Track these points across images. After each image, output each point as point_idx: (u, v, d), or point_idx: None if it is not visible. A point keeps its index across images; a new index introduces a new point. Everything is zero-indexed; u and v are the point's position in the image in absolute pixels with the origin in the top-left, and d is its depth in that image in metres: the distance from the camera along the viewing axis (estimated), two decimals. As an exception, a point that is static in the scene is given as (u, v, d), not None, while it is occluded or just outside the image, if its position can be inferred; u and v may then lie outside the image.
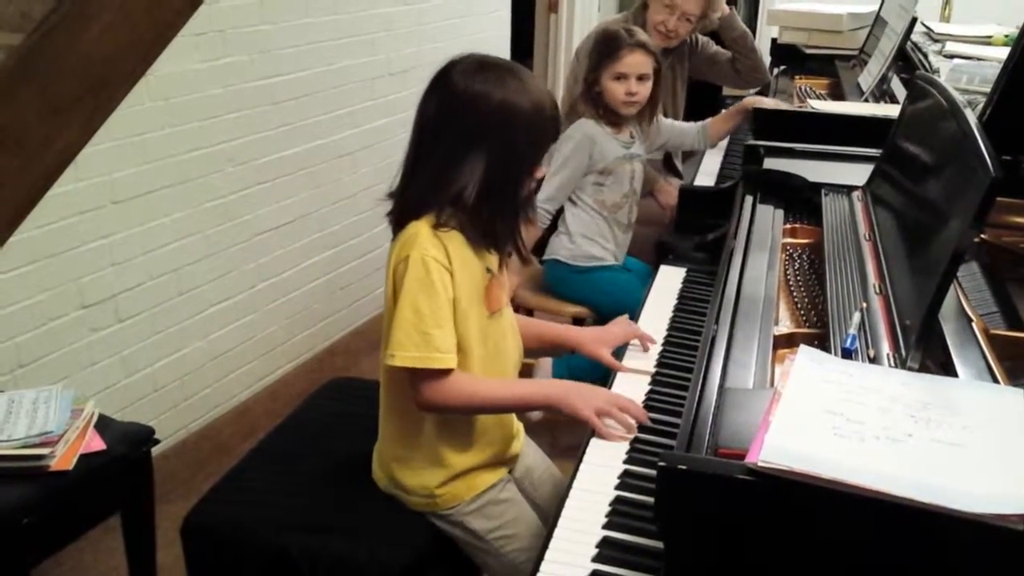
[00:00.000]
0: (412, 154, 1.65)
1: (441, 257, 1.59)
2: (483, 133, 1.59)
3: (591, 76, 2.83)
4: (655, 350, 1.92)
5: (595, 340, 1.91)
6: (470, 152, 1.59)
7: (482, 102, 1.58)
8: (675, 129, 3.12)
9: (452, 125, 1.60)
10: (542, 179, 1.72)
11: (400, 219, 1.65)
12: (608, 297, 2.83)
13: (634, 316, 2.06)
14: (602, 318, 1.96)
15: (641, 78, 2.79)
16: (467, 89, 1.59)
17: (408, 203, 1.64)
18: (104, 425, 1.94)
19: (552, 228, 2.95)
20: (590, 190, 2.86)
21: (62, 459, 1.79)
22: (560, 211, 2.91)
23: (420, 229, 1.60)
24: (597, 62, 2.82)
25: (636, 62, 2.78)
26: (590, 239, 2.88)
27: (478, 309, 1.66)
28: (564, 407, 1.66)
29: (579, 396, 1.66)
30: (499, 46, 4.25)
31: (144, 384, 2.61)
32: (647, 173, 3.14)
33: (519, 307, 3.04)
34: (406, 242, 1.60)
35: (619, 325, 1.96)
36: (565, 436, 2.78)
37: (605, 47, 2.82)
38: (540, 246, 2.98)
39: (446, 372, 1.60)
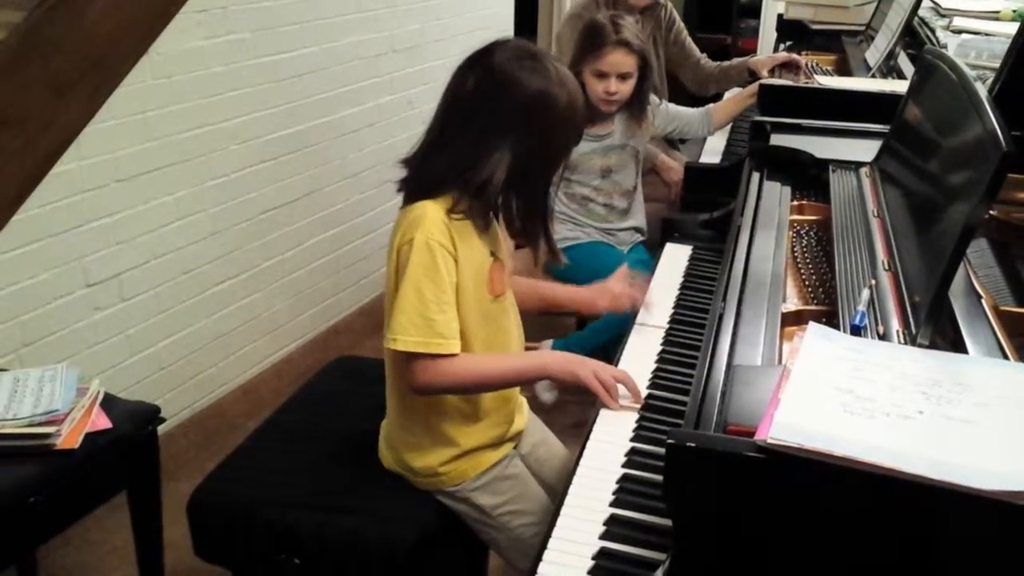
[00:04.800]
0: (438, 127, 1.62)
1: (446, 242, 1.57)
2: (519, 120, 1.56)
3: (573, 69, 2.78)
4: (662, 328, 1.92)
5: (594, 296, 1.95)
6: (501, 138, 1.56)
7: (523, 88, 1.56)
8: (681, 117, 3.02)
9: (488, 105, 1.57)
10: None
11: (414, 191, 1.63)
12: (583, 272, 2.80)
13: None
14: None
15: (623, 77, 2.72)
16: (510, 72, 1.56)
17: (426, 177, 1.61)
18: (110, 403, 1.94)
19: None
20: (560, 184, 2.85)
21: (68, 437, 1.79)
22: None
23: (427, 211, 1.57)
24: (580, 56, 2.74)
25: (617, 61, 2.70)
26: (561, 222, 2.85)
27: (481, 293, 1.65)
28: (562, 374, 1.66)
29: (576, 362, 1.66)
30: (503, 23, 4.22)
31: (149, 363, 2.61)
32: (647, 151, 3.10)
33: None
34: (411, 223, 1.58)
35: (617, 280, 1.96)
36: (572, 414, 2.77)
37: (589, 41, 2.73)
38: None
39: (446, 356, 1.59)
